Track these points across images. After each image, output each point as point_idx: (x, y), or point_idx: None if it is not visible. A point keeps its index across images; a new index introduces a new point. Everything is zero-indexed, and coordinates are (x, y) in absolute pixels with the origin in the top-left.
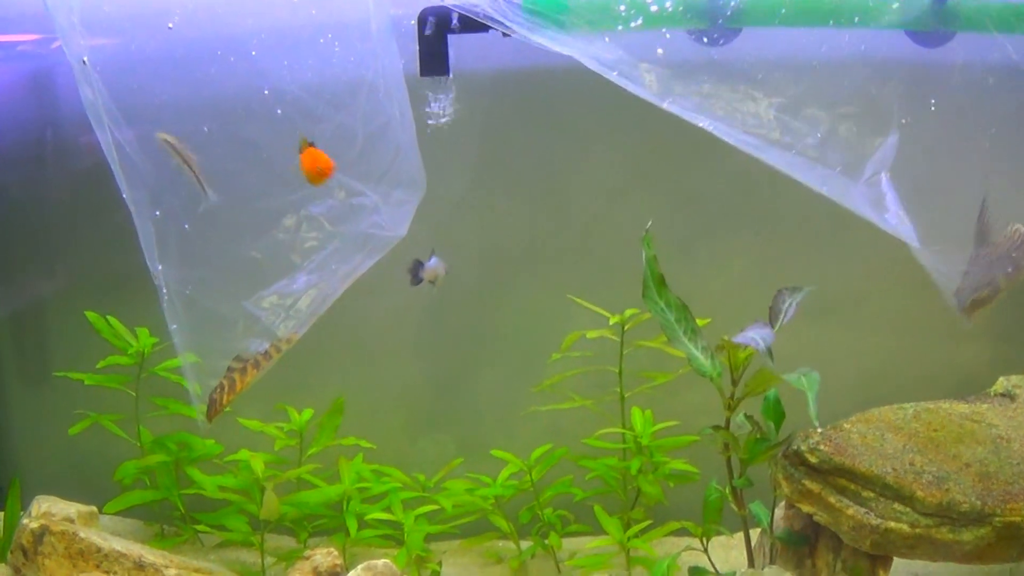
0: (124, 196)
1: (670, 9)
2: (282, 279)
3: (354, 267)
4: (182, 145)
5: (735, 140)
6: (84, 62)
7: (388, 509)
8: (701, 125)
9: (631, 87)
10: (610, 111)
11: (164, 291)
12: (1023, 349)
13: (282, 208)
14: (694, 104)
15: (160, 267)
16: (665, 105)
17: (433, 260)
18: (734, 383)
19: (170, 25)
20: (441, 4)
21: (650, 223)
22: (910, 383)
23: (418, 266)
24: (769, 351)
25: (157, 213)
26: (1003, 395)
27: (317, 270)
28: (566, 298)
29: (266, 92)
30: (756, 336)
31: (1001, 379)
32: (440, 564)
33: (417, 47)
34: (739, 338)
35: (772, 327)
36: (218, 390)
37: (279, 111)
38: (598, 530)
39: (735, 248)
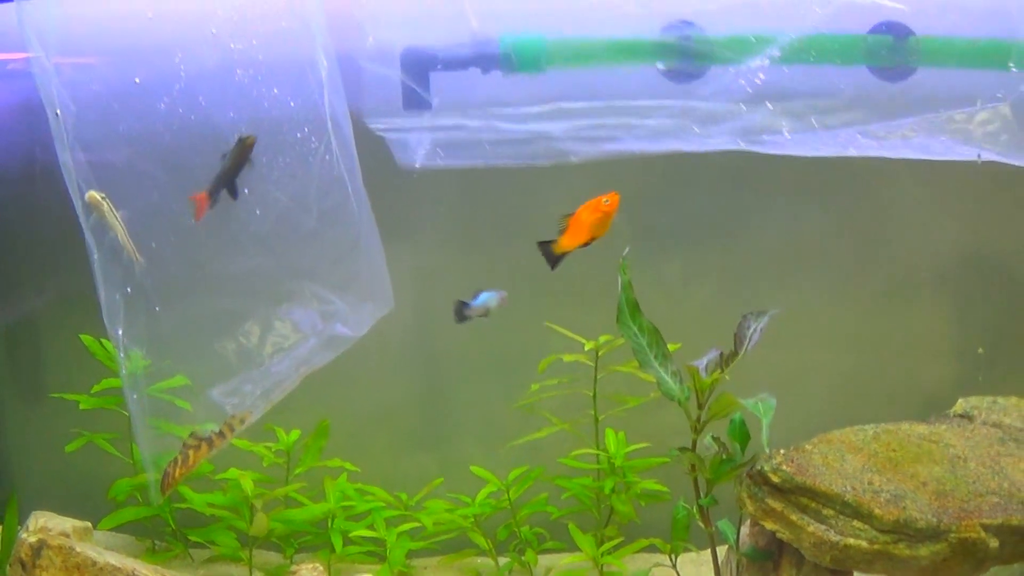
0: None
1: (643, 49)
2: (246, 372)
3: (316, 362)
4: (110, 204)
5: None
6: (57, 114)
7: (371, 526)
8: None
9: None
10: None
11: (123, 356)
12: (984, 371)
13: (254, 311)
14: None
15: (120, 332)
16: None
17: (481, 297)
18: (700, 407)
19: (137, 80)
20: (423, 43)
21: (627, 250)
22: (875, 404)
23: (461, 306)
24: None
25: (128, 290)
26: (962, 416)
27: (280, 365)
28: (545, 323)
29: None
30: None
31: (960, 400)
32: None
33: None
34: (697, 362)
35: (738, 352)
36: (172, 464)
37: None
38: (573, 547)
39: (705, 274)
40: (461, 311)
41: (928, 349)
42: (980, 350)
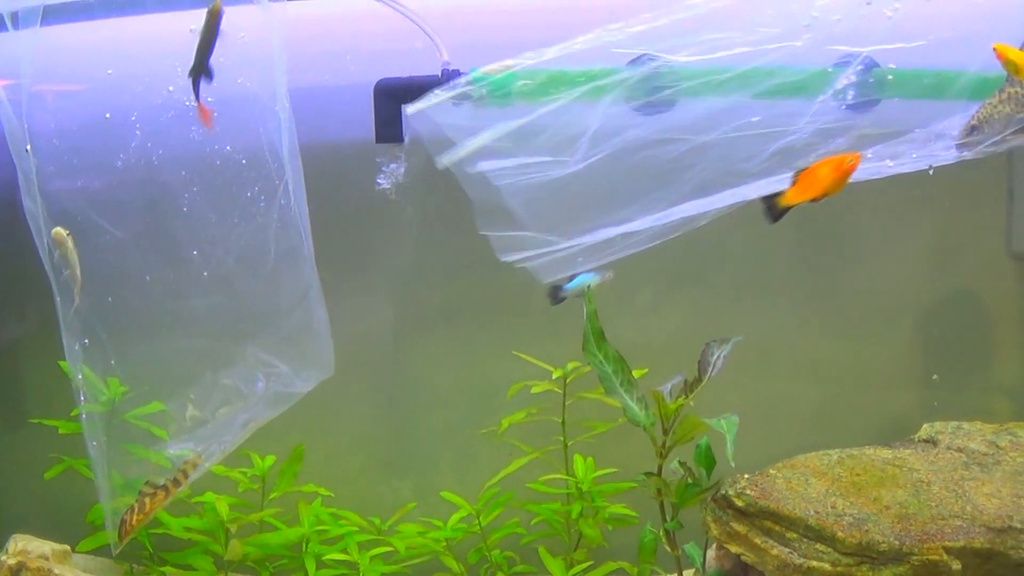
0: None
1: (610, 83)
2: (195, 430)
3: (261, 418)
4: (73, 243)
5: None
6: (28, 150)
7: (345, 550)
8: None
9: None
10: None
11: (82, 399)
12: (949, 396)
13: (199, 372)
14: None
15: (80, 378)
16: None
17: (577, 279)
18: (665, 432)
19: (107, 115)
20: (396, 76)
21: (595, 280)
22: (841, 429)
23: (556, 289)
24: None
25: (86, 341)
26: (926, 441)
27: (225, 423)
28: (513, 352)
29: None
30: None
31: (925, 425)
32: None
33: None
34: (661, 388)
35: (701, 378)
36: (129, 512)
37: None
38: (543, 570)
39: (674, 302)
40: (556, 294)
41: (894, 376)
42: (935, 376)
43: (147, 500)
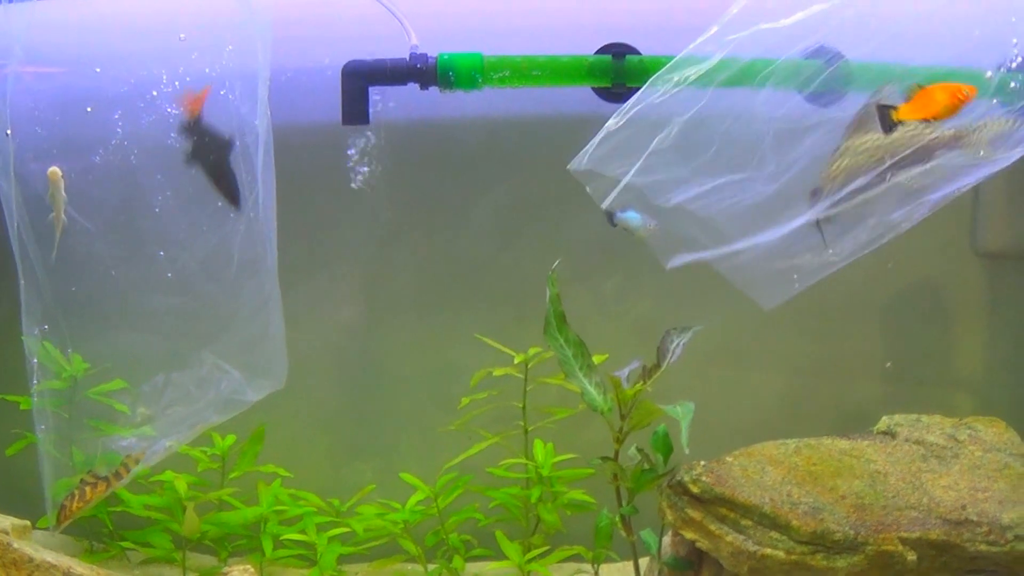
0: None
1: (581, 68)
2: (141, 425)
3: (209, 420)
4: (62, 184)
5: None
6: (7, 134)
7: (303, 531)
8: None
9: None
10: (516, 157)
11: (35, 382)
12: (910, 388)
13: (153, 370)
14: None
15: (35, 362)
16: None
17: (630, 213)
18: (622, 417)
19: (89, 109)
20: (364, 59)
21: (557, 263)
22: (802, 419)
23: (611, 215)
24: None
25: (46, 326)
26: (885, 433)
27: (175, 423)
28: (475, 335)
29: None
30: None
31: (884, 418)
32: None
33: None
34: (618, 372)
35: (660, 365)
36: (69, 498)
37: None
38: (500, 554)
39: (640, 289)
40: (611, 218)
41: (856, 368)
42: (888, 364)
43: (88, 489)
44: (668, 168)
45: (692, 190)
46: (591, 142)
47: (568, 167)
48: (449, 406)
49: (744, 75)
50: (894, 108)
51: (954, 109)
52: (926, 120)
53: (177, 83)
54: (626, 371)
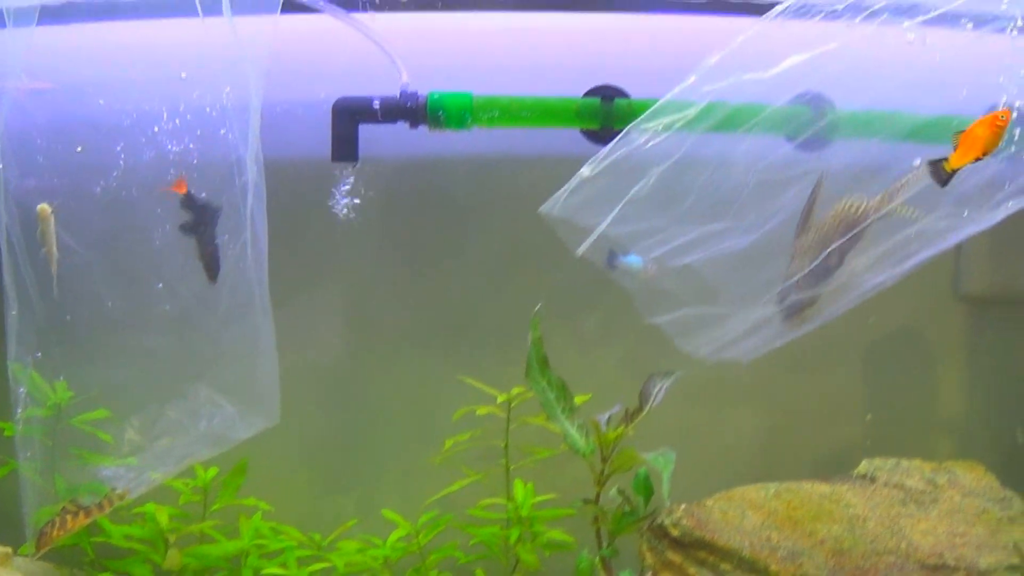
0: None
1: (570, 110)
2: (129, 456)
3: (196, 456)
4: (52, 220)
5: None
6: None
7: (283, 565)
8: None
9: None
10: (504, 196)
11: (19, 411)
12: (891, 433)
13: (145, 401)
14: None
15: (22, 392)
16: None
17: (631, 257)
18: (604, 460)
19: (79, 149)
20: (354, 95)
21: (539, 306)
22: (783, 462)
23: (612, 256)
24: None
25: (39, 354)
26: (864, 477)
27: (161, 454)
28: (459, 376)
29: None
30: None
31: (864, 461)
32: None
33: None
34: (600, 416)
35: (642, 408)
36: (50, 525)
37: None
38: None
39: (623, 328)
40: (612, 260)
41: (837, 411)
42: (868, 416)
43: (69, 518)
44: (644, 218)
45: (669, 242)
46: (564, 188)
47: (540, 211)
48: (432, 443)
49: (726, 122)
50: (945, 160)
51: (997, 138)
52: (978, 159)
53: (177, 120)
54: (606, 415)
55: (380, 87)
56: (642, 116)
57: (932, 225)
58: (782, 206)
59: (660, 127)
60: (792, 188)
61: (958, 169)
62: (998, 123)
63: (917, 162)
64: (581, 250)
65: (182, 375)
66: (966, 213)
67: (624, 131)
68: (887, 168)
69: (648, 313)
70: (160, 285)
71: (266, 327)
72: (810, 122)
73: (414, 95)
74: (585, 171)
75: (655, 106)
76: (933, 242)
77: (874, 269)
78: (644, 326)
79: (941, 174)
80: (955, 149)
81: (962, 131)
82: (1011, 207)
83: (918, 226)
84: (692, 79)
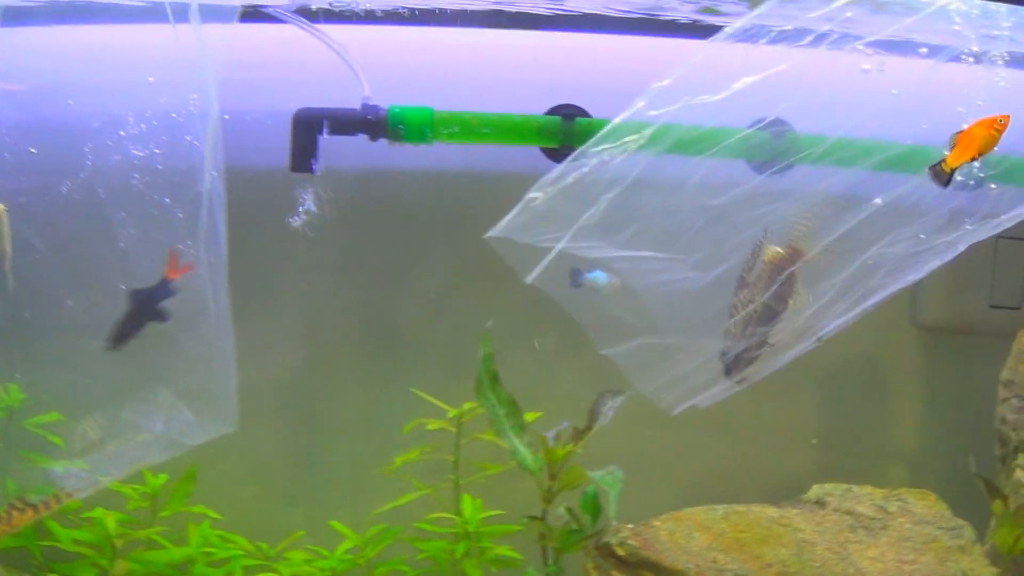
0: None
1: (532, 128)
2: (79, 457)
3: (147, 459)
4: (8, 220)
5: None
6: None
7: (230, 573)
8: None
9: None
10: (462, 211)
11: None
12: (844, 459)
13: (102, 403)
14: None
15: None
16: None
17: (596, 273)
18: (552, 477)
19: (33, 151)
20: (315, 107)
21: (490, 323)
22: (734, 485)
23: (577, 274)
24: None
25: None
26: (815, 502)
27: (113, 457)
28: (414, 388)
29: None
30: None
31: (815, 487)
32: None
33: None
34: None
35: (591, 427)
36: None
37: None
38: None
39: (579, 348)
40: (576, 278)
41: (790, 436)
42: (814, 441)
43: (15, 514)
44: (591, 242)
45: (614, 267)
46: (511, 212)
47: (486, 236)
48: (384, 456)
49: (681, 146)
50: (943, 161)
51: (994, 140)
52: (975, 158)
53: (143, 125)
54: (554, 432)
55: (347, 99)
56: (593, 139)
57: (894, 259)
58: (736, 247)
59: (611, 150)
60: (748, 231)
61: (956, 168)
62: (996, 126)
63: (878, 200)
64: (531, 278)
65: (139, 378)
66: (927, 245)
67: (574, 155)
68: (854, 197)
69: (600, 344)
70: (122, 287)
71: (225, 333)
72: (770, 147)
73: (375, 108)
74: (533, 195)
75: (606, 128)
76: (896, 276)
77: (832, 311)
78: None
79: (941, 175)
80: (952, 149)
81: (960, 131)
82: (970, 240)
83: (881, 262)
84: (641, 103)
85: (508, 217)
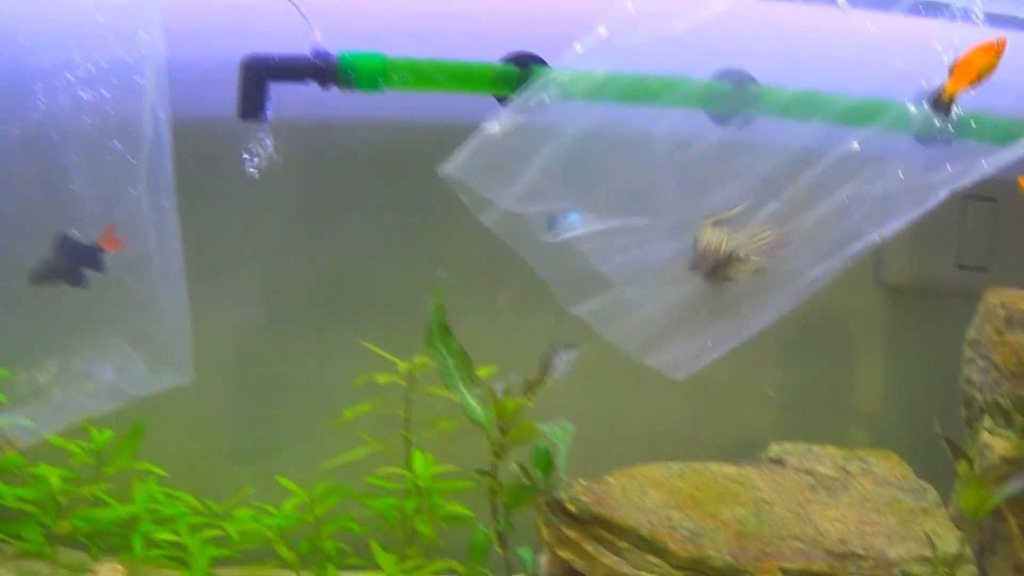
0: None
1: (486, 75)
2: (31, 405)
3: (92, 409)
4: None
5: None
6: None
7: (176, 532)
8: None
9: None
10: (420, 162)
11: None
12: (806, 418)
13: (52, 350)
14: None
15: None
16: None
17: (568, 217)
18: (502, 431)
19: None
20: (264, 52)
21: (442, 273)
22: (694, 445)
23: (552, 220)
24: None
25: None
26: (773, 460)
27: (60, 406)
28: (368, 342)
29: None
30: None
31: (773, 444)
32: None
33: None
34: (497, 385)
35: (543, 380)
36: None
37: None
38: (375, 565)
39: (537, 301)
40: (553, 226)
41: (751, 396)
42: (770, 391)
43: None
44: (554, 197)
45: (583, 227)
46: (466, 146)
47: (441, 171)
48: (335, 412)
49: (641, 93)
50: (942, 89)
51: (993, 65)
52: (973, 84)
53: (91, 67)
54: (501, 384)
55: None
56: (549, 75)
57: (872, 200)
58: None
59: (567, 87)
60: (722, 187)
61: (955, 96)
62: (993, 49)
63: (855, 145)
64: (489, 219)
65: (95, 326)
66: (905, 186)
67: (529, 87)
68: (822, 151)
69: (568, 302)
70: (75, 231)
71: (175, 279)
72: (732, 98)
73: (325, 54)
74: (490, 126)
75: (564, 63)
76: (874, 221)
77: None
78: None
79: (939, 103)
80: (951, 76)
81: (957, 60)
82: (941, 195)
83: (858, 202)
84: (602, 30)
85: (464, 153)
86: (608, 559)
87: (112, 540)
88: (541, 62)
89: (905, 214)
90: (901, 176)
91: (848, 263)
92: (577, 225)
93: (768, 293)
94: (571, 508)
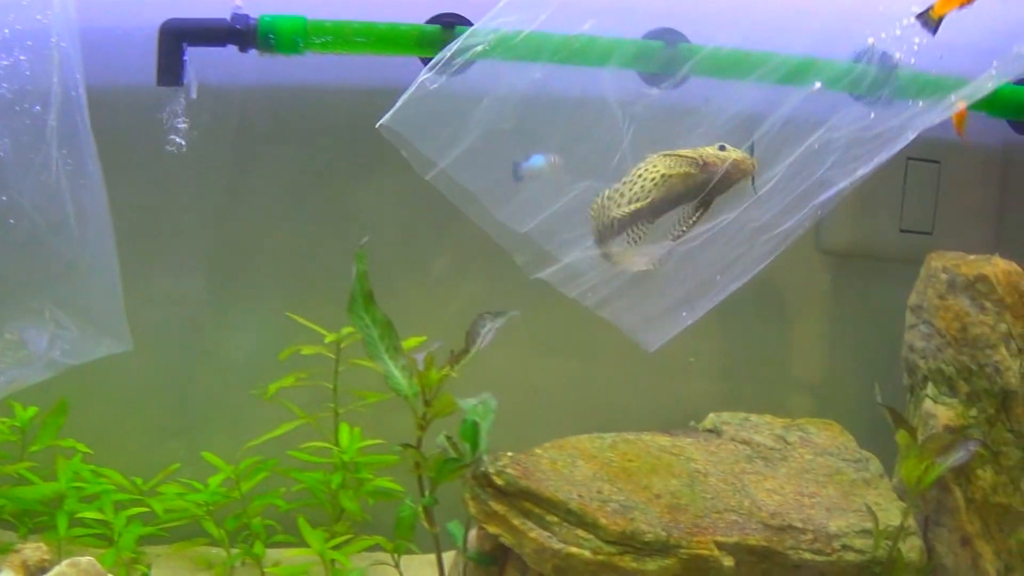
0: None
1: (408, 37)
2: None
3: (22, 380)
4: None
5: None
6: None
7: (101, 509)
8: None
9: None
10: (346, 128)
11: None
12: (746, 387)
13: None
14: None
15: None
16: None
17: (533, 159)
18: (426, 403)
19: None
20: (183, 17)
21: (365, 239)
22: (630, 416)
23: (516, 167)
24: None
25: None
26: (710, 431)
27: None
28: (294, 313)
29: None
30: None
31: (711, 415)
32: (150, 567)
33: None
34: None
35: (469, 350)
36: None
37: None
38: (303, 541)
39: (470, 269)
40: (516, 172)
41: (689, 365)
42: (691, 359)
43: None
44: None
45: (547, 168)
46: (405, 96)
47: (379, 124)
48: (265, 385)
49: (569, 51)
50: (931, 9)
51: None
52: (962, 5)
53: (6, 31)
54: (422, 354)
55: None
56: (474, 35)
57: (842, 147)
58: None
59: (495, 48)
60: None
61: (943, 16)
62: None
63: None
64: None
65: (27, 294)
66: (875, 130)
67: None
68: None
69: (529, 269)
70: (4, 198)
71: (103, 242)
72: (664, 57)
73: (245, 17)
74: (427, 78)
75: (490, 23)
76: (845, 168)
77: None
78: (498, 264)
79: (929, 22)
80: None
81: None
82: (883, 156)
83: (828, 148)
84: None
85: (403, 103)
86: (536, 534)
87: (41, 519)
88: (467, 23)
89: (874, 159)
90: (872, 116)
91: (819, 213)
92: (541, 167)
93: (737, 249)
94: (498, 481)
